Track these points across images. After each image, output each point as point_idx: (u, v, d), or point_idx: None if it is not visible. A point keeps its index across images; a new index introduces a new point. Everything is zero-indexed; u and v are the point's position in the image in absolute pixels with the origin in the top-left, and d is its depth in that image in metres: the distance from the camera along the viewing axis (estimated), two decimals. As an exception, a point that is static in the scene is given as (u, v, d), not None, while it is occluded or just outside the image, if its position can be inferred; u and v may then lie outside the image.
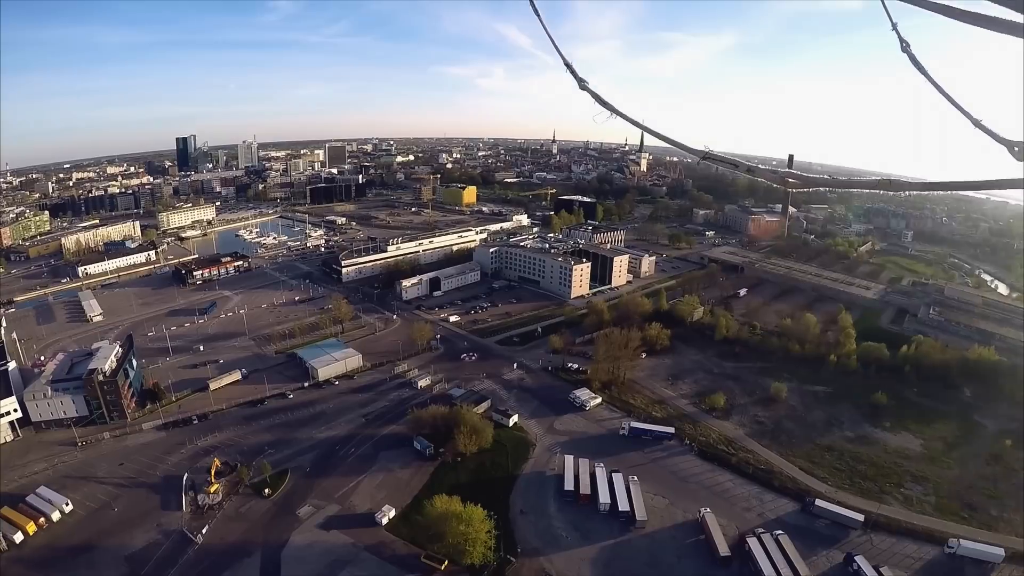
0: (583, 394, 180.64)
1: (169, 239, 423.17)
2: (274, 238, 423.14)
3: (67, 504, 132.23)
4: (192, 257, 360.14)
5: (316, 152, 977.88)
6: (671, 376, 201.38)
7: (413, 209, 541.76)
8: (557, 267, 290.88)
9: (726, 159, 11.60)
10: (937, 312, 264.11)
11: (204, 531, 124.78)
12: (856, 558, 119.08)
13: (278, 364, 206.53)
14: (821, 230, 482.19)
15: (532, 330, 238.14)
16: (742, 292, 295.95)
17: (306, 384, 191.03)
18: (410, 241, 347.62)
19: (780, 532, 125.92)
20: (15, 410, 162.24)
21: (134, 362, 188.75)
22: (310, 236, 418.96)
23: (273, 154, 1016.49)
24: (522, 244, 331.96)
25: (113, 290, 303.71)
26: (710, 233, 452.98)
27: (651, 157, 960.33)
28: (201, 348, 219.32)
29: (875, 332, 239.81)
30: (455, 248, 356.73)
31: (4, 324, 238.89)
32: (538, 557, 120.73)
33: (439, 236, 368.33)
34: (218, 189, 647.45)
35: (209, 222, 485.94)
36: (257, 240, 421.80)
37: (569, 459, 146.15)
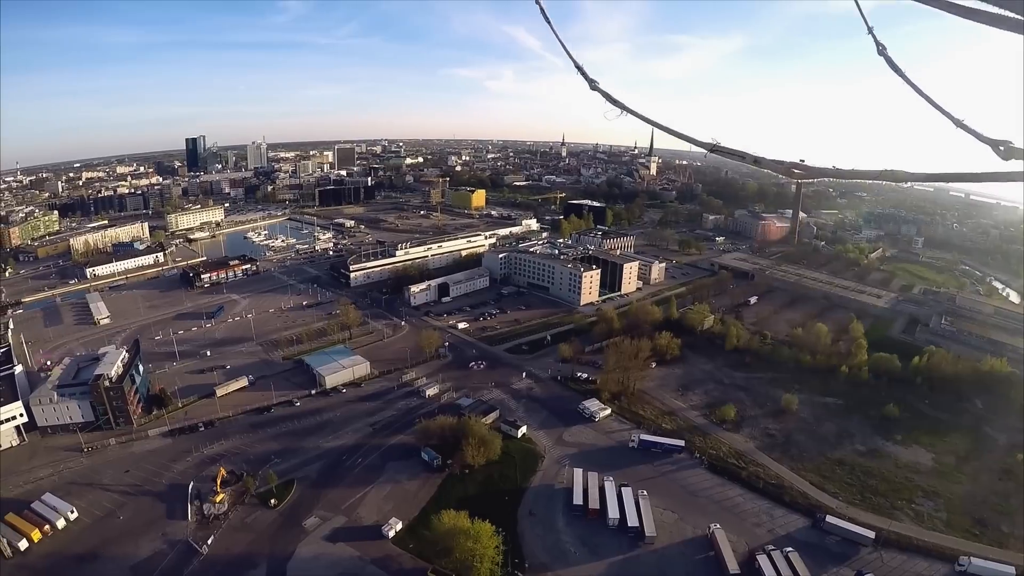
0: (592, 405, 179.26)
1: (178, 241, 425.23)
2: (282, 240, 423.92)
3: (72, 511, 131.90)
4: (200, 260, 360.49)
5: (325, 153, 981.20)
6: (681, 386, 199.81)
7: (422, 212, 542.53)
8: (567, 274, 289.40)
9: (734, 151, 11.99)
10: (948, 322, 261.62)
11: (210, 541, 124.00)
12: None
13: (285, 370, 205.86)
14: (831, 236, 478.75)
15: (541, 338, 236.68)
16: (752, 300, 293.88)
17: (313, 391, 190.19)
18: (419, 246, 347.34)
19: (790, 549, 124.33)
20: (21, 414, 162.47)
21: (140, 367, 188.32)
22: (318, 239, 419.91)
23: (282, 155, 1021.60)
24: (531, 250, 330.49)
25: (121, 292, 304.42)
26: (720, 239, 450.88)
27: (661, 161, 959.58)
28: (208, 353, 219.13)
29: (886, 342, 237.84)
30: (464, 253, 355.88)
31: (12, 326, 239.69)
32: (546, 573, 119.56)
33: (448, 241, 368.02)
34: (227, 190, 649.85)
35: (218, 224, 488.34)
36: (265, 243, 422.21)
37: (578, 472, 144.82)
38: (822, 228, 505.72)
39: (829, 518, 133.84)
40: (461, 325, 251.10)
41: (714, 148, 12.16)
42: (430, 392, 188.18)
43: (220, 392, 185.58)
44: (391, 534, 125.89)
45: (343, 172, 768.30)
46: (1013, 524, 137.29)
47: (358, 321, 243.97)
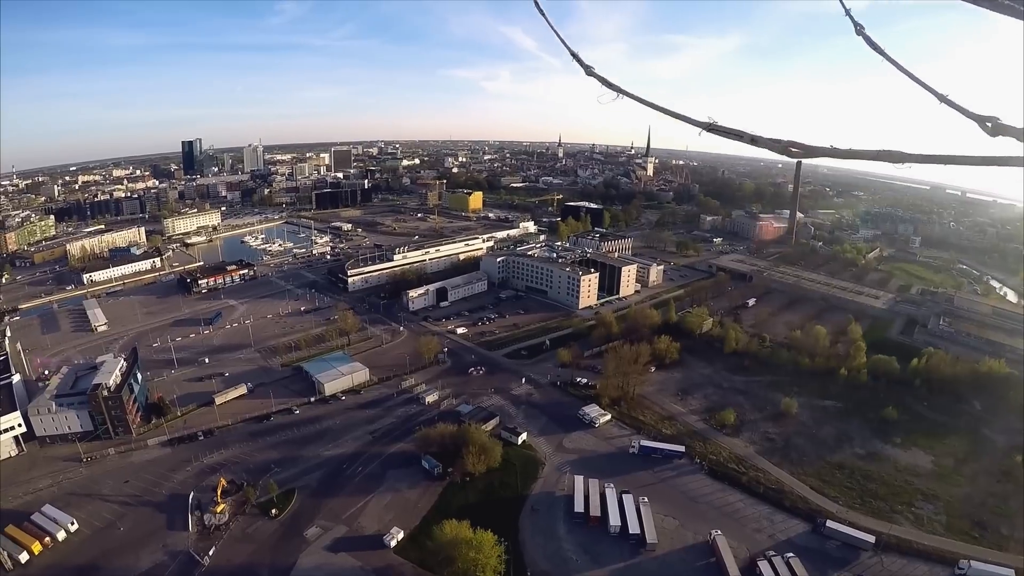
0: (592, 411, 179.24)
1: (174, 245, 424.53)
2: (279, 245, 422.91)
3: (72, 523, 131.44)
4: (197, 265, 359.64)
5: (322, 156, 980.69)
6: (680, 391, 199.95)
7: (419, 215, 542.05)
8: (565, 277, 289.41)
9: (731, 129, 11.77)
10: (947, 323, 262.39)
11: (211, 552, 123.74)
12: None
13: (284, 378, 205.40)
14: (829, 236, 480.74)
15: (540, 343, 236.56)
16: (751, 302, 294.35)
17: (312, 399, 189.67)
18: (416, 250, 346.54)
19: (791, 555, 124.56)
20: (19, 424, 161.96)
21: (139, 376, 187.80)
22: (316, 243, 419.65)
23: (278, 157, 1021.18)
24: (529, 253, 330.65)
25: (118, 298, 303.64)
26: (717, 240, 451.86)
27: (657, 161, 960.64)
28: (206, 360, 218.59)
29: (885, 343, 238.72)
30: (462, 257, 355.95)
31: (9, 333, 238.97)
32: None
33: (446, 244, 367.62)
34: (223, 193, 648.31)
35: (214, 228, 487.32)
36: (262, 247, 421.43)
37: (579, 480, 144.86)
38: (819, 228, 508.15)
39: (829, 523, 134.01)
40: (460, 330, 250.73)
41: (711, 127, 11.94)
42: (429, 399, 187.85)
43: (219, 400, 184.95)
44: (393, 543, 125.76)
45: (340, 175, 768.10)
46: (1012, 526, 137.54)
47: (356, 327, 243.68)
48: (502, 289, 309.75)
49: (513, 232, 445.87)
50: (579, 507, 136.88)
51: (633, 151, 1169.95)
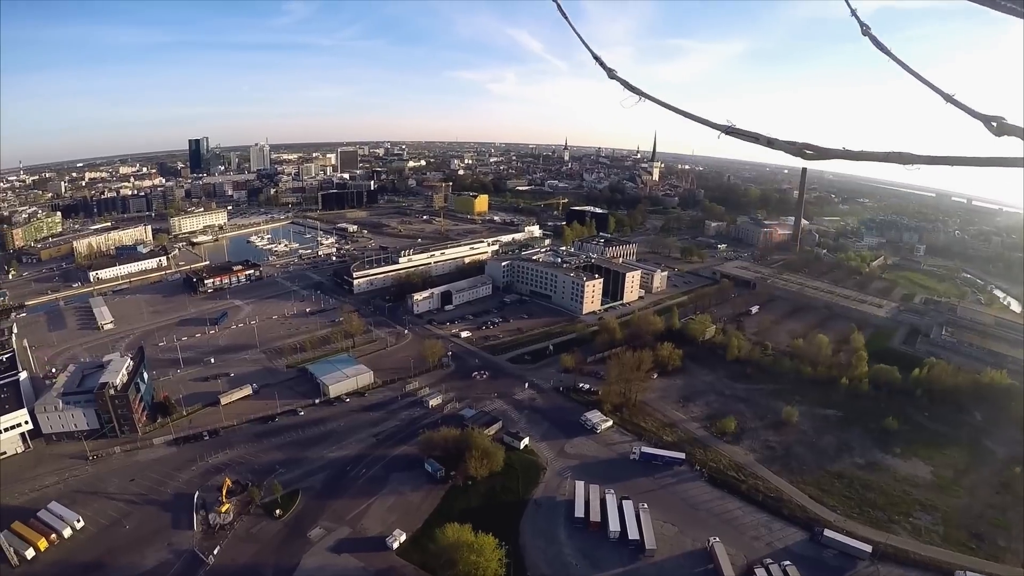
0: (594, 417, 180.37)
1: (181, 244, 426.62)
2: (285, 245, 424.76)
3: (78, 520, 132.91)
4: (203, 264, 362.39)
5: (328, 156, 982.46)
6: (682, 398, 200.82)
7: (425, 217, 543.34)
8: (569, 283, 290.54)
9: (748, 132, 12.16)
10: (949, 333, 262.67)
11: (215, 552, 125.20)
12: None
13: (289, 379, 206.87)
14: (833, 243, 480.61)
15: (544, 348, 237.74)
16: (754, 309, 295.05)
17: (317, 401, 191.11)
18: (421, 252, 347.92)
19: (788, 563, 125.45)
20: (26, 422, 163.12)
21: (145, 375, 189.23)
22: (321, 244, 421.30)
23: (285, 157, 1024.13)
24: (534, 258, 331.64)
25: (124, 296, 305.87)
26: (722, 246, 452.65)
27: (663, 165, 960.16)
28: (212, 360, 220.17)
29: (887, 353, 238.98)
30: (467, 260, 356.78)
31: (15, 330, 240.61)
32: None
33: (451, 248, 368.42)
34: (230, 192, 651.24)
35: (220, 227, 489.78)
36: (268, 247, 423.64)
37: (580, 485, 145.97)
38: (824, 235, 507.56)
39: (827, 532, 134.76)
40: (464, 334, 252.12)
41: (729, 130, 12.37)
42: (433, 402, 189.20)
43: (224, 400, 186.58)
44: (395, 545, 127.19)
45: (346, 175, 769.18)
46: (1010, 538, 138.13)
47: (361, 329, 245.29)
48: (506, 293, 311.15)
49: (518, 236, 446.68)
50: (579, 512, 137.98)
51: (639, 155, 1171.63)
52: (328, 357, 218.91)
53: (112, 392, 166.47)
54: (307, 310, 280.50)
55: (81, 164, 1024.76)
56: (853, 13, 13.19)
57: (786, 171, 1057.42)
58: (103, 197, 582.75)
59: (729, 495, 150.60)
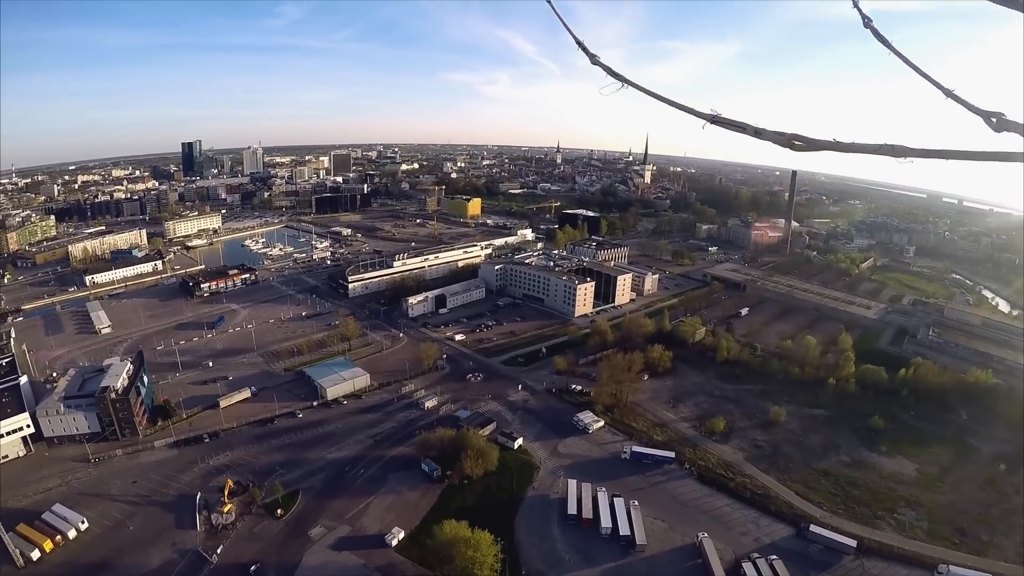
0: (586, 417, 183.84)
1: (175, 248, 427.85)
2: (280, 249, 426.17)
3: (83, 522, 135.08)
4: (199, 268, 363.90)
5: (321, 159, 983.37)
6: (672, 399, 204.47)
7: (418, 221, 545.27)
8: (561, 286, 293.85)
9: (735, 121, 11.82)
10: (936, 333, 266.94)
11: (219, 551, 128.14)
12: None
13: (287, 382, 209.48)
14: (823, 245, 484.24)
15: (536, 350, 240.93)
16: (744, 311, 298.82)
17: (315, 403, 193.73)
18: (416, 256, 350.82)
19: (775, 557, 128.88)
20: (28, 425, 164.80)
21: (145, 379, 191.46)
22: (316, 248, 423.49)
23: (278, 160, 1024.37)
24: (527, 262, 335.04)
25: (120, 300, 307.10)
26: (713, 248, 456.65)
27: (655, 168, 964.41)
28: (210, 364, 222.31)
29: (874, 353, 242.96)
30: (460, 264, 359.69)
31: (14, 334, 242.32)
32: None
33: (444, 252, 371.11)
34: (223, 196, 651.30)
35: (215, 231, 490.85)
36: (263, 251, 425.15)
37: (572, 483, 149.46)
38: (814, 237, 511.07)
39: (813, 527, 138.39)
40: (458, 337, 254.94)
41: (714, 119, 11.89)
42: (429, 404, 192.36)
43: (223, 403, 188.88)
44: (394, 543, 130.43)
45: (339, 179, 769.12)
46: (993, 533, 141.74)
47: (357, 333, 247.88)
48: (500, 296, 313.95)
49: (511, 239, 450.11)
50: (572, 509, 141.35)
51: (631, 157, 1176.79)
52: (325, 360, 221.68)
53: (113, 395, 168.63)
54: (303, 314, 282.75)
55: (73, 167, 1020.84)
56: (855, 5, 13.15)
57: (777, 173, 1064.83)
58: (97, 201, 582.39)
59: (718, 492, 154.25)
